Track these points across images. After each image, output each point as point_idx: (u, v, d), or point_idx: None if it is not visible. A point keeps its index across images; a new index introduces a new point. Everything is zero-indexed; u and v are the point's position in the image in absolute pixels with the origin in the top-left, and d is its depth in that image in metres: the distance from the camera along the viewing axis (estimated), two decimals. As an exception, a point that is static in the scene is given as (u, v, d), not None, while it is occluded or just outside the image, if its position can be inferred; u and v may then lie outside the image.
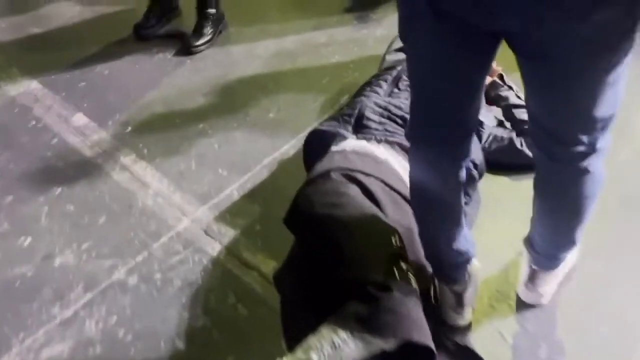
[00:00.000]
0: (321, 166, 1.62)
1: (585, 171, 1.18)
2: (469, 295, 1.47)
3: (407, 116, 1.66)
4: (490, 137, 1.84)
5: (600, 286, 1.58)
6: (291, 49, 2.66)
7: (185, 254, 1.81)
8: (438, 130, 1.22)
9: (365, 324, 1.23)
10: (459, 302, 1.46)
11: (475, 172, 1.70)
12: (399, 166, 1.64)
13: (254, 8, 2.91)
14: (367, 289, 1.26)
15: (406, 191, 1.52)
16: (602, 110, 1.05)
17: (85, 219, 1.96)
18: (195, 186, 2.04)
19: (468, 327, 1.50)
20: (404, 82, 1.85)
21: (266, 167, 2.08)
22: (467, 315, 1.49)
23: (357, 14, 2.82)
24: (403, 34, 1.14)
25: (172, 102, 2.44)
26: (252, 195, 1.99)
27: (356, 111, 1.75)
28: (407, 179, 1.57)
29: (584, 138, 1.12)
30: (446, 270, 1.44)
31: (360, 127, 1.72)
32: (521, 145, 1.83)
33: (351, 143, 1.68)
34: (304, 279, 1.42)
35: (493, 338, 1.49)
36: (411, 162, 1.35)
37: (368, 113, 1.73)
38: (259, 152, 2.13)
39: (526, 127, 1.76)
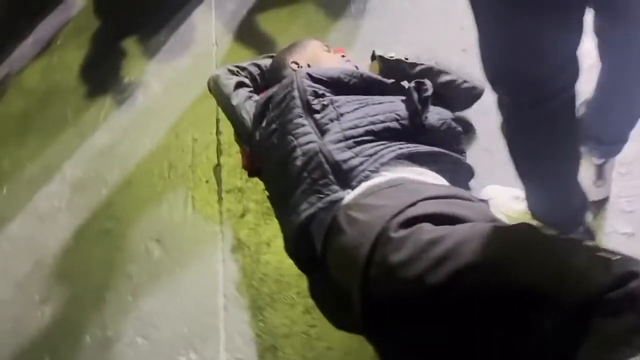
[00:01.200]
0: (353, 243, 1.17)
1: None
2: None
3: (371, 127, 1.35)
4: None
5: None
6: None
7: None
8: (556, 82, 0.99)
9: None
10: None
11: (459, 127, 1.46)
12: (415, 174, 1.30)
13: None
14: (606, 297, 0.94)
15: (451, 191, 1.25)
16: None
17: None
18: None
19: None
20: (317, 102, 1.43)
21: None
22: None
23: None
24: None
25: None
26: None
27: (326, 165, 1.29)
28: (432, 180, 1.29)
29: None
30: (573, 217, 1.27)
31: (345, 176, 1.28)
32: None
33: (352, 196, 1.26)
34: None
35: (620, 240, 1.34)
36: (523, 131, 1.11)
37: (338, 156, 1.30)
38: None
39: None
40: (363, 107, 1.41)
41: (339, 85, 1.49)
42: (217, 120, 1.93)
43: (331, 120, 1.39)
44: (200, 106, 2.00)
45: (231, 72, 1.75)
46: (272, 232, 1.61)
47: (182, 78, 2.15)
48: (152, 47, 2.36)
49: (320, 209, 1.27)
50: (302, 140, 1.37)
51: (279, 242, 1.58)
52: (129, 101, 2.15)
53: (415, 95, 1.38)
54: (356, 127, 1.35)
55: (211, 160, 1.83)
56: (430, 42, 1.91)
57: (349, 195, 1.27)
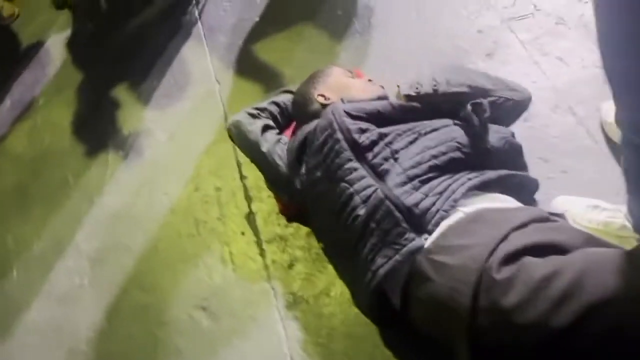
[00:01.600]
0: (445, 291, 1.07)
1: None
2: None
3: (434, 161, 1.25)
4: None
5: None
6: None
7: None
8: None
9: None
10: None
11: (517, 141, 1.37)
12: (489, 202, 1.22)
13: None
14: None
15: (531, 213, 1.16)
16: None
17: None
18: None
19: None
20: (365, 138, 1.30)
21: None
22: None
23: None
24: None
25: None
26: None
27: (396, 213, 1.17)
28: (506, 204, 1.21)
29: None
30: None
31: (419, 221, 1.17)
32: None
33: (431, 239, 1.15)
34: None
35: None
36: None
37: (407, 200, 1.18)
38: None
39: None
40: (417, 138, 1.30)
41: (380, 118, 1.37)
42: (239, 164, 1.79)
43: (385, 159, 1.27)
44: (216, 151, 1.86)
45: (252, 115, 1.62)
46: (328, 279, 1.48)
47: (188, 123, 2.01)
48: (145, 92, 2.20)
49: (399, 262, 1.16)
50: (358, 186, 1.25)
51: (338, 289, 1.46)
52: (134, 155, 2.00)
53: (475, 120, 1.27)
54: (418, 164, 1.23)
55: (241, 209, 1.70)
56: (449, 51, 1.82)
57: (428, 240, 1.16)
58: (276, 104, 1.67)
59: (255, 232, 1.63)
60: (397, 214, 1.17)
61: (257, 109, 1.64)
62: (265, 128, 1.57)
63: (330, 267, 1.50)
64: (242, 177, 1.76)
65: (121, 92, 2.26)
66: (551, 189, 1.44)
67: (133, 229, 1.78)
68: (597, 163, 1.49)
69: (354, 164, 1.28)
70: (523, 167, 1.39)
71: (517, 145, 1.37)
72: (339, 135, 1.32)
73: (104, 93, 2.28)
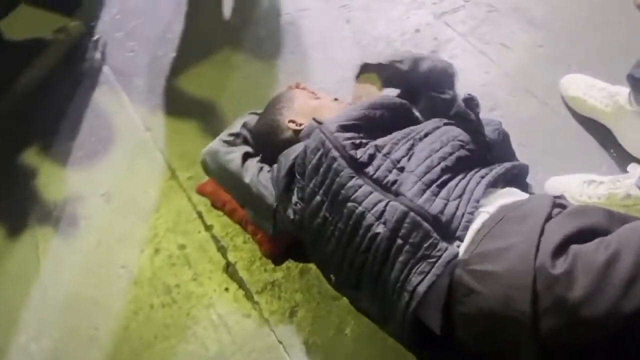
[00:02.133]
0: (499, 300, 1.01)
1: None
2: None
3: (445, 163, 1.21)
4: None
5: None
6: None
7: None
8: None
9: None
10: None
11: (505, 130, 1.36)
12: (503, 197, 1.19)
13: None
14: None
15: (546, 200, 1.13)
16: None
17: None
18: None
19: None
20: (361, 153, 1.21)
21: None
22: None
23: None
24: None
25: None
26: None
27: (425, 224, 1.09)
28: (516, 197, 1.19)
29: None
30: None
31: (447, 229, 1.10)
32: None
33: (463, 248, 1.08)
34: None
35: None
36: None
37: (432, 209, 1.11)
38: None
39: None
40: (413, 144, 1.24)
41: (368, 124, 1.29)
42: (200, 214, 1.61)
43: (388, 170, 1.20)
44: (168, 205, 1.66)
45: (228, 143, 1.52)
46: (339, 317, 1.36)
47: (123, 180, 1.78)
48: (61, 154, 1.92)
49: (437, 276, 1.07)
50: (367, 203, 1.16)
51: (352, 325, 1.35)
52: (66, 227, 1.71)
53: (471, 115, 1.23)
54: (430, 168, 1.17)
55: (217, 262, 1.51)
56: (395, 49, 1.78)
57: (460, 247, 1.09)
58: (245, 125, 1.55)
59: (241, 284, 1.46)
60: (426, 224, 1.09)
61: (231, 134, 1.54)
62: (246, 156, 1.46)
63: (336, 304, 1.37)
64: (208, 228, 1.58)
65: (31, 159, 1.95)
66: (538, 173, 1.44)
67: (91, 314, 1.52)
68: (571, 138, 1.51)
69: (357, 180, 1.19)
70: (514, 155, 1.37)
71: (507, 135, 1.35)
72: (335, 153, 1.22)
73: (11, 164, 1.96)
